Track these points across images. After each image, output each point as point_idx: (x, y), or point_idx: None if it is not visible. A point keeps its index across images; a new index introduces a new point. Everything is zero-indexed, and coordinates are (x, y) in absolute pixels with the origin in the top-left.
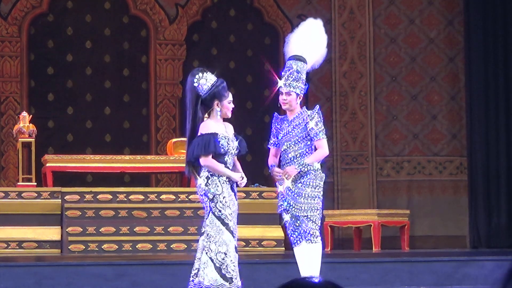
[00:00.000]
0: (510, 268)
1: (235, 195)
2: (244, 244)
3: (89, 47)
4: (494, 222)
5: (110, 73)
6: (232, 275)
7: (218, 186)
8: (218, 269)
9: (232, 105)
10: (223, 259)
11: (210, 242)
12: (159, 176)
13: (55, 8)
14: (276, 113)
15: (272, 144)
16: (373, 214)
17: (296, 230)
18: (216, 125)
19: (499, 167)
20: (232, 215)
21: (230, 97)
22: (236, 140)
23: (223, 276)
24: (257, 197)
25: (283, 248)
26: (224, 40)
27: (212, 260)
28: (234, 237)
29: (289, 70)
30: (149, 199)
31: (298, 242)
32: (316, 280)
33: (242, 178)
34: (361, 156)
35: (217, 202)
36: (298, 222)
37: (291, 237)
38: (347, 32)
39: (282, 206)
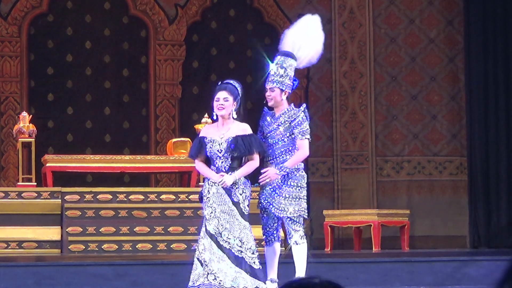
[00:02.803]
0: (507, 268)
1: (230, 196)
2: None
3: (89, 47)
4: (494, 222)
5: (110, 73)
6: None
7: (205, 187)
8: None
9: (217, 103)
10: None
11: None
12: (158, 176)
13: (55, 8)
14: (265, 108)
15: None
16: (373, 214)
17: (268, 231)
18: (208, 128)
19: (499, 167)
20: (213, 215)
21: (217, 95)
22: (229, 142)
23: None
24: (256, 197)
25: (283, 248)
26: (224, 40)
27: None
28: (212, 237)
29: (275, 65)
30: (149, 199)
31: (271, 242)
32: (317, 281)
33: (222, 180)
34: (361, 156)
35: (203, 203)
36: (275, 222)
37: (264, 235)
38: (347, 32)
39: (262, 204)
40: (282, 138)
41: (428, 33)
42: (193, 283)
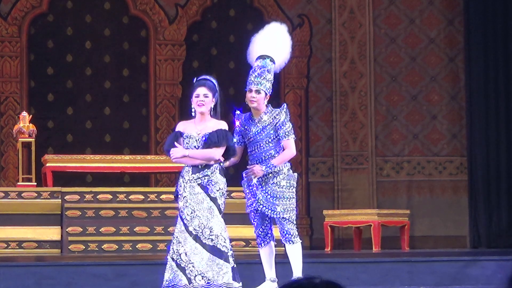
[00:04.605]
0: None
1: (207, 192)
2: (244, 244)
3: (89, 48)
4: (495, 222)
5: (110, 73)
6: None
7: (180, 185)
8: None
9: (197, 99)
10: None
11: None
12: (158, 176)
13: (55, 8)
14: (238, 111)
15: (236, 143)
16: (373, 214)
17: (263, 231)
18: (185, 123)
19: (499, 167)
20: (193, 215)
21: (196, 91)
22: (206, 137)
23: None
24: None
25: (283, 248)
26: (224, 40)
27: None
28: (194, 237)
29: (261, 68)
30: (149, 199)
31: (266, 242)
32: (317, 281)
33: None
34: (361, 156)
35: (179, 201)
36: (268, 222)
37: (258, 238)
38: (347, 32)
39: (252, 206)
40: (269, 142)
41: (428, 33)
42: (168, 283)
